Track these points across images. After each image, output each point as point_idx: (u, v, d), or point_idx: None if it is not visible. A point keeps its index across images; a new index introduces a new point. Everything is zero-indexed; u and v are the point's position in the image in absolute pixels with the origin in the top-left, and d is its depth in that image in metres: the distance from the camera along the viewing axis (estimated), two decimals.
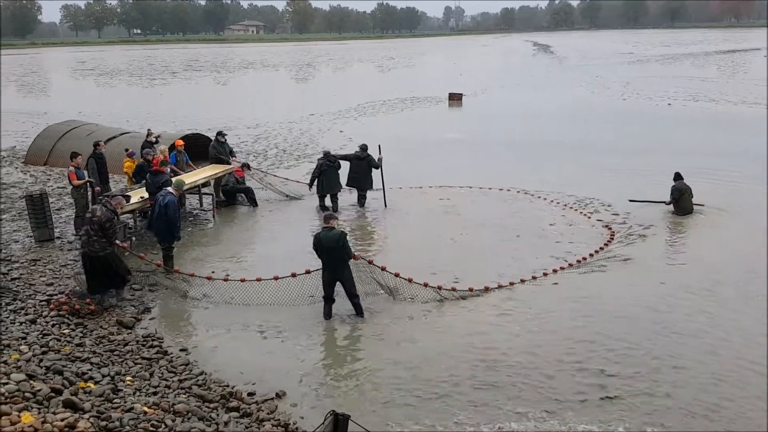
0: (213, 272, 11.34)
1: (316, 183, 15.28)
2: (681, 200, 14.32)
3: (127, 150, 15.96)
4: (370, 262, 9.98)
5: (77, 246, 12.66)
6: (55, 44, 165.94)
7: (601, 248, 12.32)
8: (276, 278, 9.93)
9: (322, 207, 15.22)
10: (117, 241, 10.20)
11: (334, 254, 9.41)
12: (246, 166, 16.82)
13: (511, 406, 7.33)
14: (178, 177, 12.03)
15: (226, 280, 10.12)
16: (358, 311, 9.61)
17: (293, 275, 9.92)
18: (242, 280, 10.09)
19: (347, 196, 16.15)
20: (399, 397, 7.53)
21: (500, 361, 8.28)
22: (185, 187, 14.25)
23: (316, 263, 11.42)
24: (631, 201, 14.68)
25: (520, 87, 46.08)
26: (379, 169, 15.35)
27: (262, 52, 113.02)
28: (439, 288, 10.17)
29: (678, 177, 14.65)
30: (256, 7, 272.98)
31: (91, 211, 10.06)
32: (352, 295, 9.59)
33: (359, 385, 7.87)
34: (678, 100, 35.43)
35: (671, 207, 14.43)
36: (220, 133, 16.97)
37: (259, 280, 10.00)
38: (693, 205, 14.37)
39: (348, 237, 9.95)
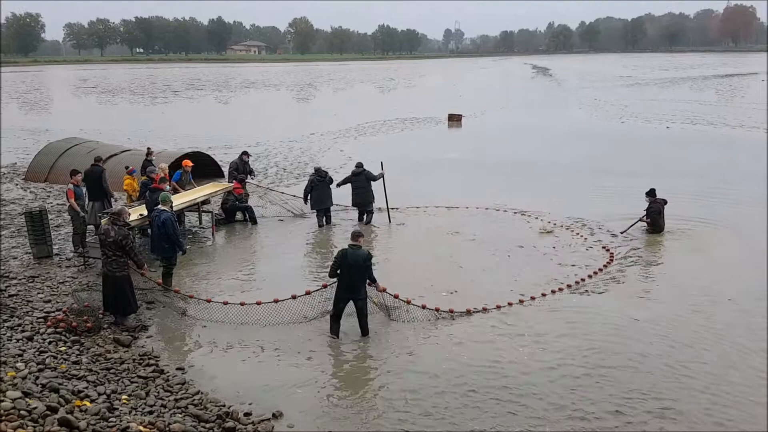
0: (214, 289, 11.36)
1: (309, 197, 15.67)
2: (656, 217, 14.63)
3: (127, 168, 16.02)
4: (370, 284, 9.91)
5: (76, 263, 12.68)
6: (58, 62, 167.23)
7: (600, 269, 12.33)
8: (276, 301, 9.87)
9: (319, 222, 15.54)
10: (134, 262, 9.96)
11: (356, 273, 9.37)
12: (242, 181, 16.91)
13: (509, 425, 7.28)
14: (164, 192, 12.06)
15: (225, 303, 10.03)
16: (365, 331, 9.57)
17: (293, 297, 9.88)
18: (242, 304, 9.96)
19: (350, 215, 16.25)
20: (396, 418, 7.48)
21: (499, 381, 8.24)
22: (183, 206, 14.40)
23: (316, 281, 11.46)
24: (623, 233, 14.65)
25: (519, 108, 46.36)
26: (382, 183, 15.61)
27: (263, 72, 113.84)
28: (437, 310, 10.16)
29: (652, 194, 14.85)
30: (258, 27, 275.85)
31: (103, 232, 9.96)
32: (364, 315, 9.55)
33: (356, 404, 7.82)
34: (676, 123, 35.62)
35: (645, 224, 14.75)
36: (245, 153, 17.81)
37: (259, 303, 9.88)
38: (663, 221, 14.72)
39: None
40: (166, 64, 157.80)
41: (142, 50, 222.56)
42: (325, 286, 9.87)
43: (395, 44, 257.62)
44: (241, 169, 17.28)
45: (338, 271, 9.43)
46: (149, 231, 12.82)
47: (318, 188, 15.45)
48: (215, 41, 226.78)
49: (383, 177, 15.69)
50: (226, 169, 21.86)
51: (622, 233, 14.55)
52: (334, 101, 59.29)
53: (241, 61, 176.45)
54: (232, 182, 16.67)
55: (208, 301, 10.14)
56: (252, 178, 17.79)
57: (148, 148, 17.80)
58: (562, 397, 7.84)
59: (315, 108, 53.13)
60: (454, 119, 37.77)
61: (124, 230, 9.87)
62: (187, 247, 13.52)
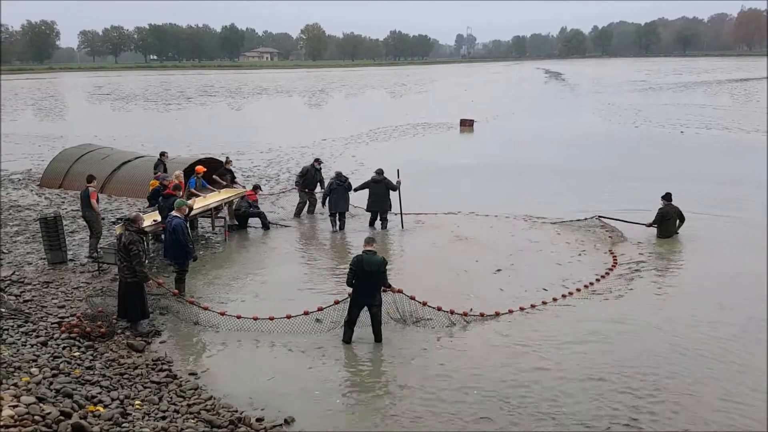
0: (226, 295, 11.40)
1: (327, 200, 15.88)
2: (664, 224, 14.55)
3: (156, 173, 16.22)
4: (385, 290, 9.87)
5: (90, 269, 12.76)
6: (73, 69, 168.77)
7: (606, 273, 12.34)
8: (288, 317, 9.85)
9: (333, 226, 15.73)
10: (136, 271, 9.86)
11: (372, 279, 9.33)
12: (257, 188, 17.01)
13: (524, 429, 7.25)
14: (180, 198, 12.17)
15: (238, 317, 9.99)
16: (378, 338, 9.54)
17: (306, 313, 9.87)
18: (255, 318, 9.91)
19: (361, 221, 16.27)
20: (409, 423, 7.44)
21: (514, 385, 8.19)
22: (196, 212, 14.46)
23: (330, 287, 11.48)
24: (600, 217, 15.34)
25: (532, 114, 46.22)
26: (398, 192, 15.64)
27: (275, 78, 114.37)
28: (452, 312, 10.14)
29: (667, 197, 14.83)
30: (270, 34, 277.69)
31: (117, 237, 10.15)
32: (378, 322, 9.51)
33: (368, 411, 7.78)
34: (691, 127, 35.37)
35: (654, 230, 14.74)
36: (317, 161, 17.60)
37: (271, 318, 9.86)
38: (675, 230, 14.63)
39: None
40: (180, 71, 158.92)
41: (155, 57, 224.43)
42: (337, 303, 9.87)
43: (407, 50, 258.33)
44: (312, 175, 17.02)
45: (353, 276, 9.41)
46: (163, 237, 12.88)
47: (336, 192, 15.61)
48: (228, 48, 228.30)
49: (400, 185, 15.72)
50: (239, 175, 22.01)
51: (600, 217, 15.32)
52: (346, 107, 59.46)
53: (253, 68, 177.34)
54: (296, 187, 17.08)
55: (222, 314, 10.10)
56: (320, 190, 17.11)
57: (227, 158, 18.74)
58: (579, 401, 7.81)
59: (327, 114, 53.28)
60: (466, 125, 37.72)
61: (134, 236, 9.93)
62: (200, 252, 13.59)
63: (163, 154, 18.02)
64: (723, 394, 8.03)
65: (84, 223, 15.54)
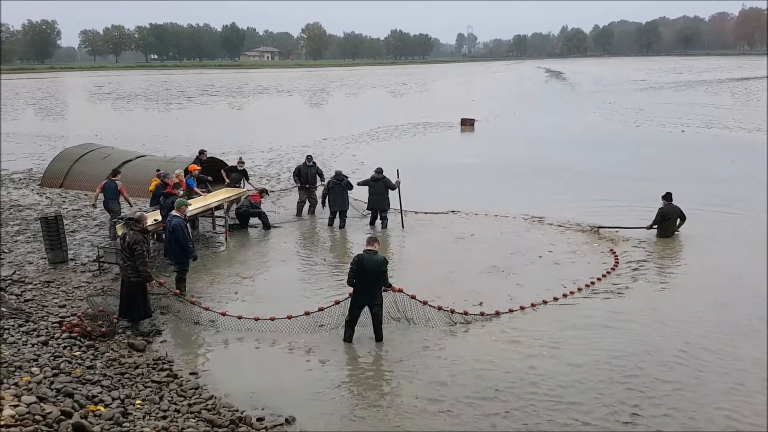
0: (227, 294, 11.40)
1: (326, 199, 16.11)
2: (664, 223, 14.55)
3: (158, 171, 16.21)
4: (385, 289, 9.87)
5: (90, 268, 12.76)
6: (74, 68, 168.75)
7: (608, 273, 12.33)
8: (289, 317, 9.85)
9: (330, 224, 15.94)
10: (139, 270, 9.86)
11: (373, 278, 9.32)
12: (264, 192, 17.04)
13: (524, 428, 7.25)
14: (180, 198, 12.18)
15: (240, 317, 9.99)
16: (379, 337, 9.53)
17: (306, 313, 9.88)
18: (256, 319, 9.91)
19: (362, 220, 16.25)
20: (410, 422, 7.44)
21: (514, 384, 8.18)
22: (197, 211, 14.46)
23: (331, 286, 11.48)
24: (600, 227, 15.14)
25: (533, 113, 46.16)
26: (397, 191, 15.73)
27: (276, 78, 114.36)
28: (452, 311, 10.14)
29: (667, 197, 14.80)
30: (271, 33, 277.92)
31: (121, 236, 10.16)
32: (379, 321, 9.51)
33: (369, 409, 7.78)
34: (691, 127, 35.32)
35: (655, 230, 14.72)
36: (308, 157, 17.59)
37: (272, 318, 9.85)
38: (675, 229, 14.61)
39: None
40: (180, 70, 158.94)
41: (156, 56, 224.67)
42: (337, 302, 9.88)
43: (408, 49, 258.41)
44: (305, 172, 17.02)
45: (354, 275, 9.40)
46: (164, 236, 12.88)
47: (334, 191, 15.75)
48: (229, 47, 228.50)
49: (399, 184, 15.76)
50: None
51: (599, 228, 15.13)
52: (347, 106, 59.40)
53: (254, 67, 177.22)
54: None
55: (223, 314, 10.11)
56: (321, 183, 17.24)
57: (240, 158, 18.95)
58: (580, 394, 7.81)
59: (327, 113, 53.24)
60: (467, 124, 37.67)
61: (138, 235, 9.94)
62: (200, 252, 13.58)
63: (202, 152, 18.16)
64: (725, 389, 8.06)
65: (84, 222, 15.58)
